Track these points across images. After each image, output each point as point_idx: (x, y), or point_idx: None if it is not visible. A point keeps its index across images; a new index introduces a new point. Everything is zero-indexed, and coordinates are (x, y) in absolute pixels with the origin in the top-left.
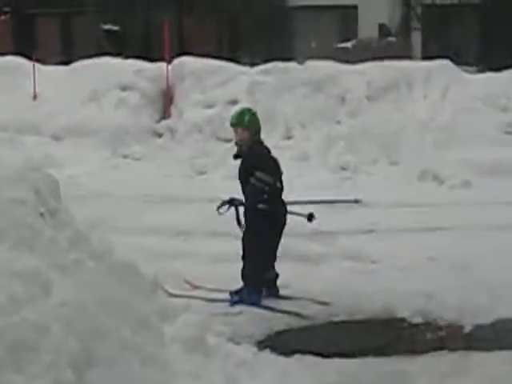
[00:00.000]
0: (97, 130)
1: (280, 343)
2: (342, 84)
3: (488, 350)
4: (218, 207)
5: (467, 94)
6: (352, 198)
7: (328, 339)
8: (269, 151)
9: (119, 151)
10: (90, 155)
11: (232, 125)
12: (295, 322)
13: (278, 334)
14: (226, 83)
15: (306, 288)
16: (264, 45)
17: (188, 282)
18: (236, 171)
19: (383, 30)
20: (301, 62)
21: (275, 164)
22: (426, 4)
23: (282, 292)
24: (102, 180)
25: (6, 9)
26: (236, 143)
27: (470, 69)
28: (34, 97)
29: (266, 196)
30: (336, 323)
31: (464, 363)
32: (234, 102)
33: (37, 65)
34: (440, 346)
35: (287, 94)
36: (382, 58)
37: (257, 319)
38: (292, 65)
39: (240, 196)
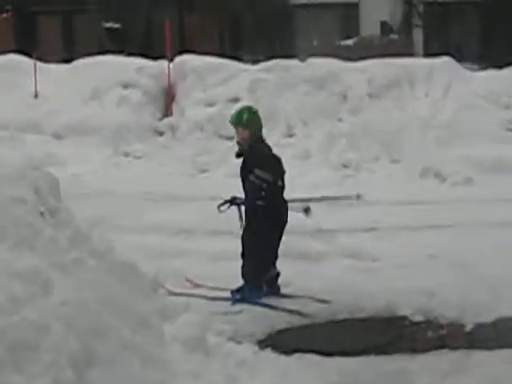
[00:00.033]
0: (98, 128)
1: (281, 342)
2: (343, 82)
3: (489, 348)
4: (220, 206)
5: (469, 92)
6: (353, 194)
7: (329, 338)
8: (270, 149)
9: (121, 149)
10: (91, 153)
11: (232, 124)
12: (296, 321)
13: (279, 332)
14: (228, 81)
15: (307, 286)
16: (266, 43)
17: (189, 281)
18: (238, 169)
19: (385, 28)
20: (302, 60)
21: (276, 162)
22: (427, 1)
23: (282, 290)
24: (103, 178)
25: (8, 7)
26: (237, 142)
27: (472, 66)
28: (36, 95)
29: (263, 193)
30: (337, 322)
31: (465, 362)
32: (236, 100)
33: (38, 63)
34: (441, 344)
35: (289, 91)
36: (383, 56)
37: (257, 318)
38: (293, 62)
39: (241, 194)
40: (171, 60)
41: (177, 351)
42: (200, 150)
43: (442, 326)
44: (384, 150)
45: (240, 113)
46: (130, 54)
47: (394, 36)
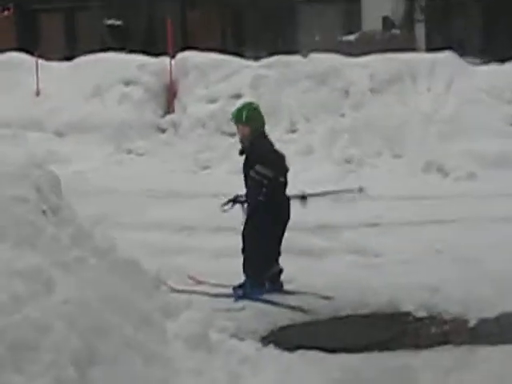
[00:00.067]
0: (100, 125)
1: (284, 338)
2: (345, 77)
3: (493, 344)
4: (223, 205)
5: (471, 86)
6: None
7: (332, 334)
8: (272, 145)
9: (123, 147)
10: (93, 151)
11: (232, 121)
12: (299, 317)
13: (282, 329)
14: (230, 77)
15: (310, 282)
16: (268, 38)
17: (191, 278)
18: (240, 166)
19: (387, 23)
20: (304, 55)
21: (278, 158)
22: None
23: (285, 287)
24: (105, 175)
25: (9, 4)
26: (240, 139)
27: (475, 60)
28: (37, 93)
29: (264, 189)
30: (340, 318)
31: (468, 358)
32: (238, 96)
33: (40, 61)
34: (444, 340)
35: (291, 87)
36: (385, 51)
37: (260, 314)
38: (295, 58)
39: (244, 191)
40: (173, 57)
41: (179, 348)
42: (202, 147)
43: (445, 322)
44: (386, 145)
45: (240, 110)
46: (132, 51)
47: (395, 31)
